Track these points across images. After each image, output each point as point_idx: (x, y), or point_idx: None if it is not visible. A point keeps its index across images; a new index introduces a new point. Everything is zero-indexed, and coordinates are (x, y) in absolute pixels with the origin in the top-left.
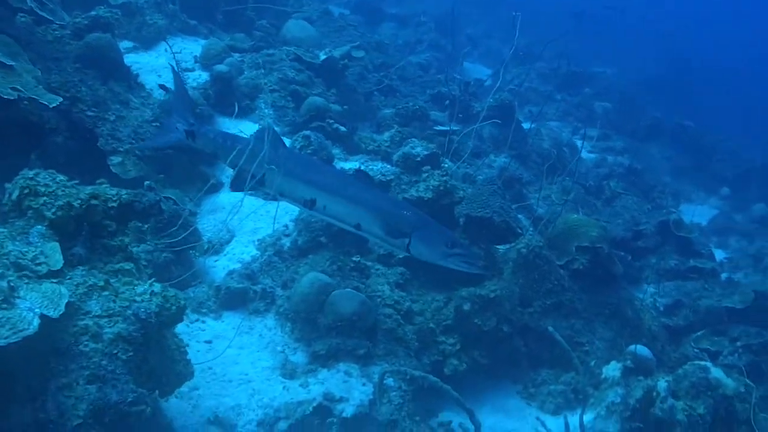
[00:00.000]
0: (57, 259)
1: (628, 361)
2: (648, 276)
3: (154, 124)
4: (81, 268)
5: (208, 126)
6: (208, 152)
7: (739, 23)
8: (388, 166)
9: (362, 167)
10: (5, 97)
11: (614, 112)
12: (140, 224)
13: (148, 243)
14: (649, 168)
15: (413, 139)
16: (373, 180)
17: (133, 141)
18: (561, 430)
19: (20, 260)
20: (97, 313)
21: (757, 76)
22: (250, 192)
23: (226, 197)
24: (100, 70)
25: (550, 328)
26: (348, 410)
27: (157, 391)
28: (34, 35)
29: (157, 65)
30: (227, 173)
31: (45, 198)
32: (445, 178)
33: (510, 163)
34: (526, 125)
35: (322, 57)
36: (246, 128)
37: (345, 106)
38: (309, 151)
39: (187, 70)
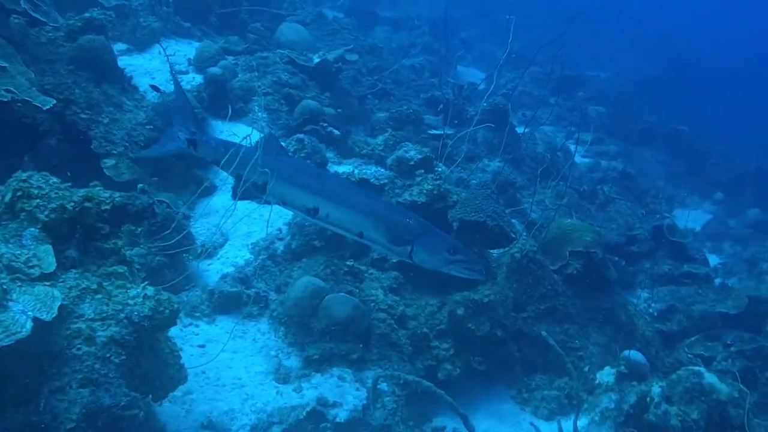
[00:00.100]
0: (50, 262)
1: (622, 367)
2: (642, 281)
3: (147, 126)
4: (74, 271)
5: (209, 134)
6: (209, 161)
7: (732, 26)
8: (382, 170)
9: (356, 171)
10: None
11: (608, 116)
12: (133, 227)
13: (142, 246)
14: (642, 172)
15: (407, 143)
16: (375, 188)
17: (127, 144)
18: None
19: (13, 263)
20: (90, 317)
21: (752, 79)
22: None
23: (220, 200)
24: (93, 72)
25: (544, 333)
26: (341, 415)
27: (150, 395)
28: (28, 37)
29: (150, 68)
30: (221, 176)
31: (38, 200)
32: (438, 182)
33: (504, 167)
34: (519, 129)
35: (316, 60)
36: (239, 131)
37: (339, 110)
38: (302, 155)
39: (180, 72)
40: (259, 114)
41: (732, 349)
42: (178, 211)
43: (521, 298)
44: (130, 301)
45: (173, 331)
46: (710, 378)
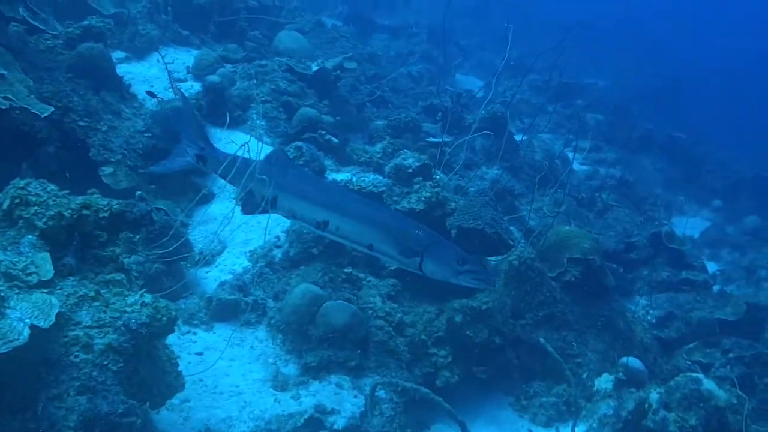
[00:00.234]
0: (48, 269)
1: (620, 373)
2: (640, 288)
3: (146, 134)
4: (72, 278)
5: (218, 149)
6: (218, 175)
7: (728, 34)
8: (380, 178)
9: (354, 178)
10: None
11: (606, 124)
12: (131, 235)
13: (140, 254)
14: (641, 180)
15: (405, 151)
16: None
17: (125, 151)
18: None
19: (11, 270)
20: (87, 324)
21: (748, 87)
22: (240, 202)
23: (218, 208)
24: (92, 80)
25: (542, 340)
26: (339, 422)
27: (147, 403)
28: (27, 45)
29: (149, 75)
30: (218, 184)
31: (36, 208)
32: (436, 189)
33: (502, 174)
34: (518, 137)
35: (315, 68)
36: (238, 139)
37: (337, 117)
38: (301, 162)
39: (179, 80)
40: (258, 122)
41: (730, 355)
42: (176, 218)
43: (519, 305)
44: (128, 309)
45: (171, 339)
46: (708, 384)
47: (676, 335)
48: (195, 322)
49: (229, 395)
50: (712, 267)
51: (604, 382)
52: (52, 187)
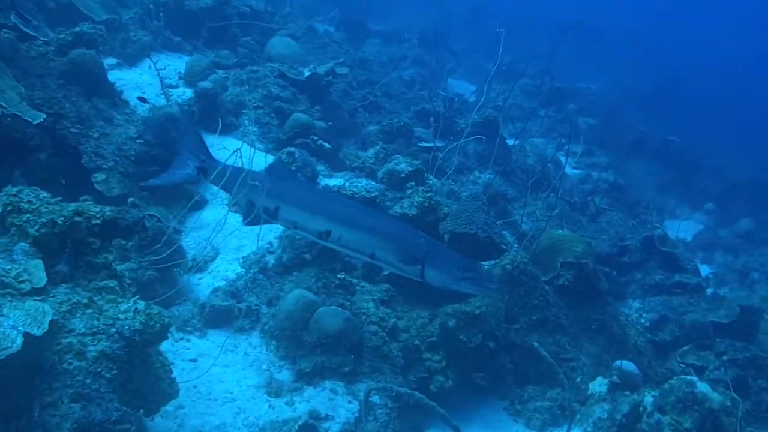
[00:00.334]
0: (40, 277)
1: (615, 377)
2: (633, 291)
3: (138, 141)
4: (64, 285)
5: (220, 161)
6: (219, 187)
7: (722, 37)
8: (373, 183)
9: (347, 184)
10: None
11: (598, 128)
12: (124, 242)
13: (132, 260)
14: (633, 183)
15: (398, 156)
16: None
17: (117, 158)
18: None
19: (3, 278)
20: (80, 331)
21: (740, 90)
22: (233, 209)
23: (210, 214)
24: (84, 86)
25: (536, 344)
26: (334, 428)
27: (142, 410)
28: (18, 51)
29: (141, 82)
30: (211, 190)
31: (28, 215)
32: (429, 194)
33: (494, 179)
34: (510, 141)
35: (307, 73)
36: (230, 145)
37: (329, 123)
38: (293, 168)
39: (171, 86)
40: (250, 128)
41: (724, 358)
42: (169, 225)
43: (513, 309)
44: (121, 316)
45: (164, 346)
46: (703, 387)
47: (670, 338)
48: (188, 328)
49: (223, 402)
50: (705, 270)
51: (599, 385)
52: (44, 194)
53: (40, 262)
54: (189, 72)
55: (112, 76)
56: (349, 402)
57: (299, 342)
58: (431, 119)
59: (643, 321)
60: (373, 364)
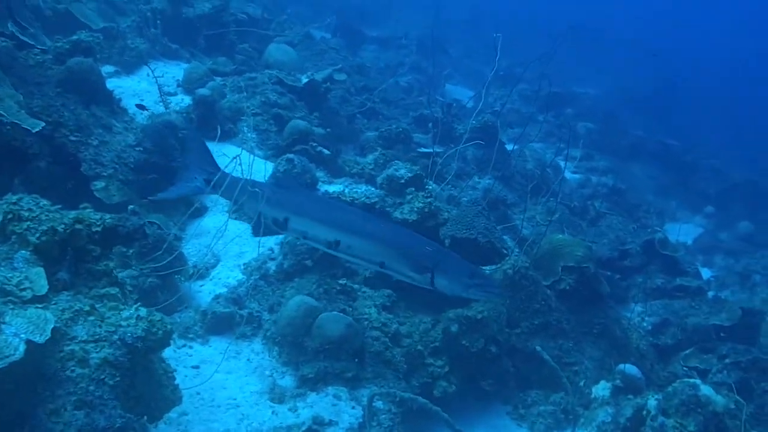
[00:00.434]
0: (42, 285)
1: (618, 381)
2: (635, 295)
3: (137, 148)
4: (66, 293)
5: (228, 174)
6: (228, 199)
7: (719, 40)
8: (373, 189)
9: (346, 190)
10: None
11: (597, 132)
12: (125, 249)
13: (133, 268)
14: (633, 187)
15: (397, 162)
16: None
17: (117, 166)
18: None
19: (5, 286)
20: (83, 339)
21: (738, 93)
22: (234, 216)
23: (211, 221)
24: (82, 94)
25: (538, 348)
26: None
27: (145, 417)
28: (16, 60)
29: (139, 89)
30: (211, 197)
31: (29, 223)
32: (429, 199)
33: (494, 184)
34: (509, 146)
35: (304, 80)
36: (229, 152)
37: (328, 129)
38: (293, 174)
39: (169, 94)
40: (249, 134)
41: (727, 360)
42: (169, 232)
43: (515, 314)
44: (123, 323)
45: (167, 353)
46: (706, 390)
47: (672, 341)
48: (190, 335)
49: (227, 408)
50: (706, 273)
51: (602, 389)
52: (44, 202)
53: (41, 269)
54: (187, 79)
55: (111, 84)
56: (353, 407)
57: (301, 348)
58: (430, 125)
59: (645, 324)
60: (376, 369)
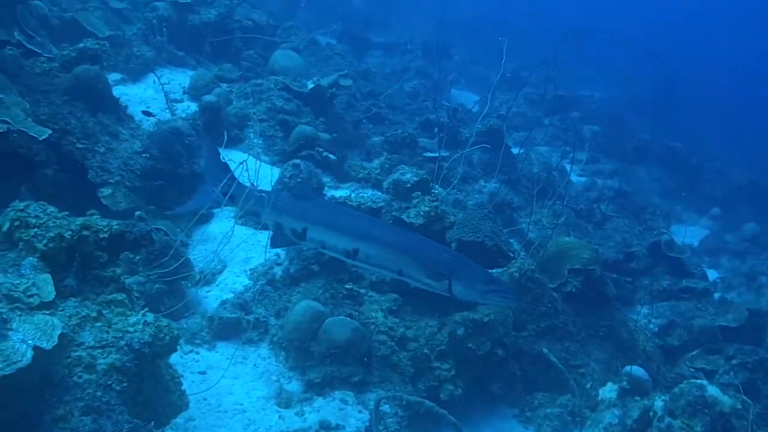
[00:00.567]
0: (49, 291)
1: (624, 382)
2: (641, 297)
3: (144, 155)
4: (73, 299)
5: (245, 185)
6: (247, 212)
7: (724, 39)
8: (379, 193)
9: (353, 195)
10: None
11: (602, 135)
12: (132, 255)
13: (140, 274)
14: (638, 190)
15: (403, 166)
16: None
17: (123, 173)
18: None
19: (12, 292)
20: (90, 344)
21: (742, 95)
22: (240, 221)
23: (217, 227)
24: (88, 102)
25: (545, 350)
26: None
27: (152, 422)
28: (23, 68)
29: (145, 97)
30: None
31: (36, 230)
32: (435, 203)
33: (500, 188)
34: (515, 150)
35: (310, 86)
36: (235, 158)
37: (334, 135)
38: (299, 180)
39: (175, 101)
40: (255, 140)
41: (734, 362)
42: (176, 238)
43: (521, 316)
44: (130, 328)
45: (174, 358)
46: (713, 390)
47: (679, 343)
48: (197, 341)
49: (234, 413)
50: (712, 275)
51: (608, 391)
52: (51, 208)
53: (48, 276)
54: (193, 86)
55: (117, 91)
56: (360, 411)
57: (308, 353)
58: (435, 129)
59: (651, 326)
60: (383, 373)
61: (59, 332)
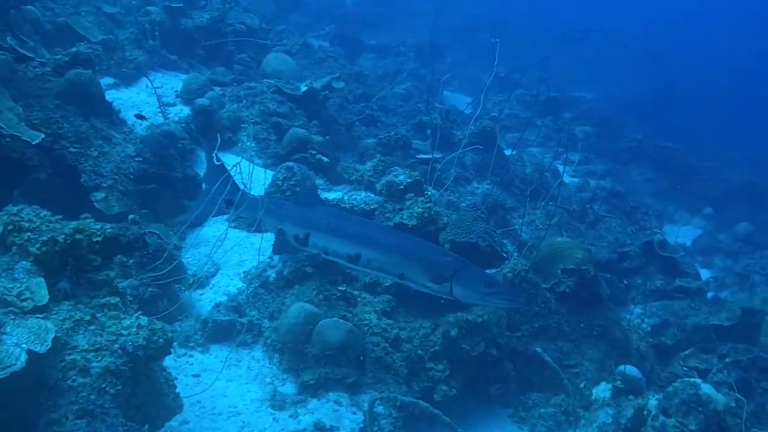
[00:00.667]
0: (42, 295)
1: (618, 382)
2: (634, 297)
3: (137, 159)
4: (67, 303)
5: (248, 193)
6: (248, 218)
7: (717, 41)
8: (372, 195)
9: (346, 197)
10: None
11: (595, 136)
12: (125, 259)
13: (134, 277)
14: (631, 190)
15: (396, 168)
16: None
17: (116, 176)
18: None
19: (6, 296)
20: (84, 348)
21: (734, 96)
22: (233, 224)
23: (210, 230)
24: (81, 106)
25: (539, 350)
26: None
27: (146, 425)
28: (15, 73)
29: (138, 101)
30: None
31: (29, 234)
32: (428, 204)
33: (493, 189)
34: (507, 152)
35: (303, 89)
36: (229, 161)
37: (327, 137)
38: (292, 183)
39: (168, 104)
40: (248, 143)
41: (727, 360)
42: (169, 241)
43: (515, 317)
44: (124, 332)
45: (167, 361)
46: (707, 389)
47: (672, 342)
48: (191, 344)
49: (228, 416)
50: (705, 274)
51: (602, 390)
52: (45, 212)
53: (42, 280)
54: (186, 90)
55: (109, 95)
56: (354, 413)
57: (302, 355)
58: (428, 131)
59: (644, 326)
60: (377, 374)
61: (53, 336)
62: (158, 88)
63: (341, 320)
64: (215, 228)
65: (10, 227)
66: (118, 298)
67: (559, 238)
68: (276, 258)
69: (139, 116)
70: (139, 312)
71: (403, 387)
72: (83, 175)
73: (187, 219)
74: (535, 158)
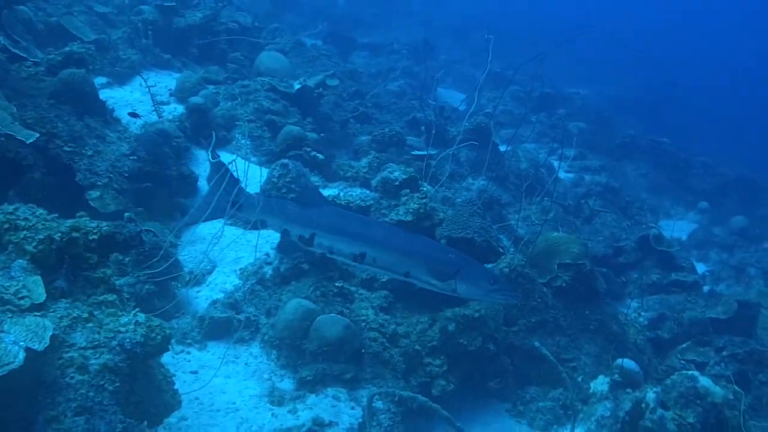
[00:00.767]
0: (40, 293)
1: (616, 375)
2: (631, 291)
3: (131, 157)
4: (64, 300)
5: (252, 195)
6: (252, 220)
7: (709, 41)
8: (367, 192)
9: (341, 194)
10: None
11: (589, 132)
12: (121, 256)
13: (130, 275)
14: (626, 185)
15: (391, 164)
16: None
17: (111, 175)
18: None
19: (3, 294)
20: (82, 345)
21: (729, 91)
22: (229, 221)
23: (206, 228)
24: (75, 105)
25: (537, 344)
26: None
27: (145, 422)
28: (8, 72)
29: (131, 100)
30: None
31: (25, 232)
32: (424, 200)
33: (488, 185)
34: (502, 148)
35: (297, 86)
36: (224, 159)
37: (321, 134)
38: (287, 180)
39: (162, 103)
40: (243, 141)
41: (724, 353)
42: (166, 239)
43: (512, 312)
44: (122, 329)
45: (165, 359)
46: (705, 381)
47: (669, 336)
48: (188, 341)
49: (226, 412)
50: (701, 268)
51: (600, 384)
52: (41, 211)
53: (38, 278)
54: (179, 88)
55: (103, 94)
56: (352, 408)
57: (300, 350)
58: (423, 128)
59: (641, 320)
60: (375, 370)
61: (51, 333)
62: (152, 86)
63: (338, 316)
64: (211, 225)
65: (6, 226)
66: (115, 296)
67: (555, 233)
68: (272, 255)
69: (133, 115)
70: (137, 309)
71: (401, 382)
72: (78, 173)
73: (191, 220)
74: (530, 154)
